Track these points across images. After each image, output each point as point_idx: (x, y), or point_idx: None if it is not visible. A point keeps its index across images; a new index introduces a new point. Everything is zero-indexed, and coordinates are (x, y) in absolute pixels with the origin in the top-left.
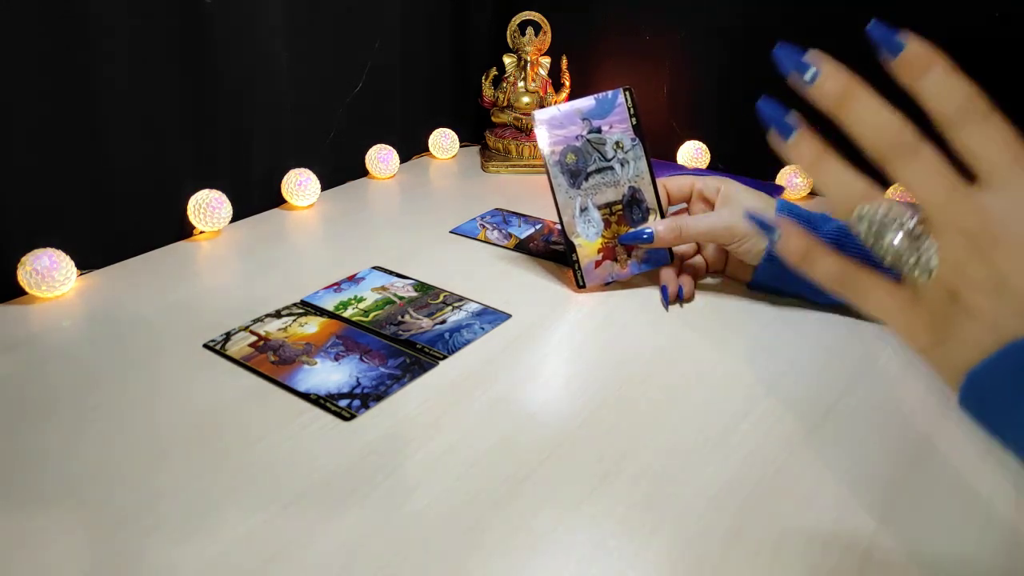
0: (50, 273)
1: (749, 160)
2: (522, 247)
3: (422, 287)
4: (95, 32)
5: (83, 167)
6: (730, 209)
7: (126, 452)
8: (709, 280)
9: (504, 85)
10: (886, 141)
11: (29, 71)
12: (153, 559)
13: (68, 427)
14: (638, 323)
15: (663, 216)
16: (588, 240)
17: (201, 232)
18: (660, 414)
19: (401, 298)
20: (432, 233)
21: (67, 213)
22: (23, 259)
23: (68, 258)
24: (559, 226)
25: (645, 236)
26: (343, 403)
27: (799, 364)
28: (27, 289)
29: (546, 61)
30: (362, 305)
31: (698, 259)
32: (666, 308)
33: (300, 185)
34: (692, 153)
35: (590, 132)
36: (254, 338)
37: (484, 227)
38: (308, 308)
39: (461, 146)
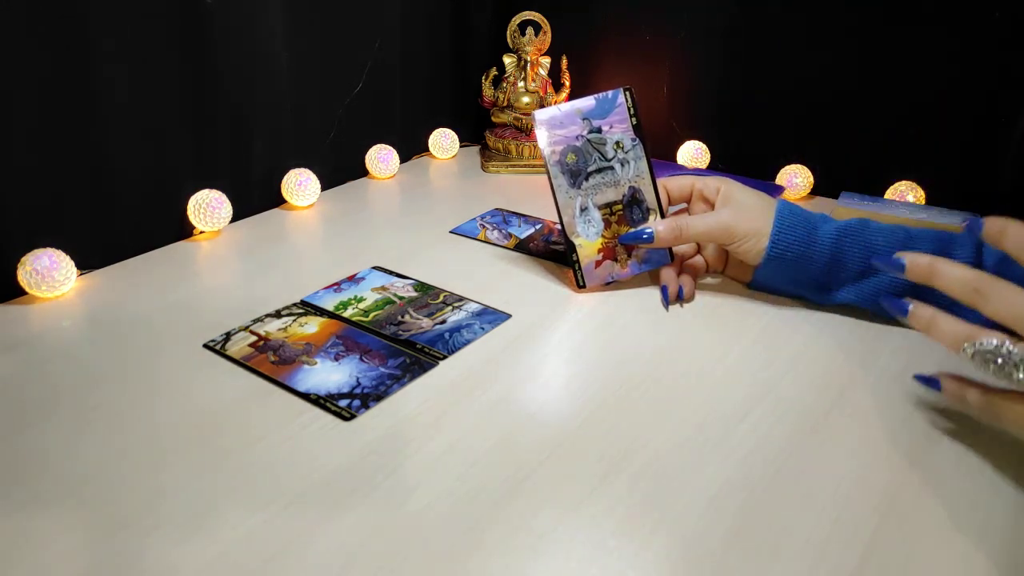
0: (50, 273)
1: (749, 160)
2: (522, 247)
3: (422, 287)
4: (95, 32)
5: (83, 167)
6: (730, 209)
7: (126, 452)
8: (709, 280)
9: (504, 85)
10: (969, 288)
11: (29, 71)
12: (153, 559)
13: (68, 427)
14: (638, 323)
15: (663, 216)
16: (588, 240)
17: (201, 232)
18: (660, 414)
19: (401, 298)
20: (432, 233)
21: (67, 213)
22: (23, 259)
23: (68, 258)
24: (559, 226)
25: (645, 236)
26: (343, 403)
27: (799, 364)
28: (27, 289)
29: (546, 61)
30: (362, 305)
31: (698, 259)
32: (666, 308)
33: (300, 185)
34: (692, 153)
35: (590, 132)
36: (254, 338)
37: (484, 227)
38: (308, 308)
39: (461, 146)
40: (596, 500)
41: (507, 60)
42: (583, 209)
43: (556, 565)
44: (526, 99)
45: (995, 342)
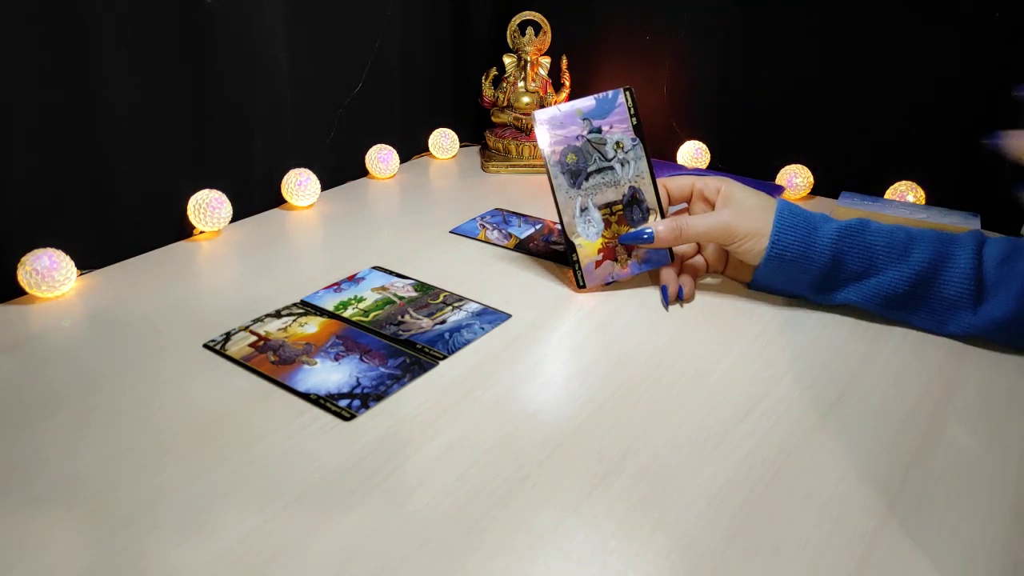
0: (50, 273)
1: (749, 160)
2: (522, 247)
3: (422, 287)
4: (95, 32)
5: (83, 167)
6: (730, 209)
7: (126, 452)
8: (709, 280)
9: (504, 85)
10: None
11: (29, 71)
12: (153, 559)
13: (68, 427)
14: (638, 323)
15: (663, 216)
16: (588, 240)
17: (201, 232)
18: (660, 414)
19: (401, 298)
20: (432, 233)
21: (67, 213)
22: (23, 259)
23: (68, 258)
24: (559, 226)
25: (645, 236)
26: (343, 403)
27: (799, 364)
28: (27, 289)
29: (546, 61)
30: (362, 305)
31: (698, 259)
32: (666, 308)
33: (300, 185)
34: (692, 153)
35: (590, 132)
36: (254, 338)
37: (484, 227)
38: (308, 308)
39: (461, 146)
40: (596, 500)
41: (507, 60)
42: (583, 209)
43: (556, 565)
44: (526, 99)
45: None
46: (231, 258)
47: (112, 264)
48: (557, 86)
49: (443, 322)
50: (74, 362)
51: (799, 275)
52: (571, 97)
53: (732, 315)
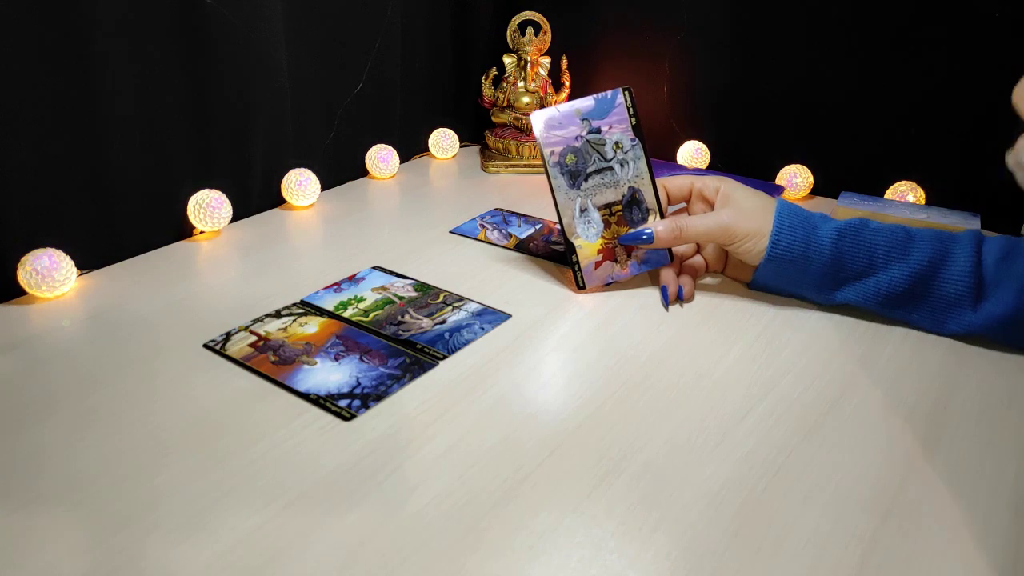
0: (50, 273)
1: (749, 160)
2: (522, 247)
3: (422, 287)
4: (95, 32)
5: (83, 167)
6: (729, 209)
7: (126, 452)
8: (709, 280)
9: (504, 85)
10: None
11: (29, 71)
12: (153, 559)
13: (68, 427)
14: (638, 323)
15: (663, 216)
16: (588, 241)
17: (201, 232)
18: (660, 414)
19: (401, 298)
20: (432, 233)
21: (67, 213)
22: (23, 259)
23: (68, 258)
24: (559, 226)
25: (645, 237)
26: (343, 403)
27: (799, 364)
28: (27, 289)
29: (546, 61)
30: (362, 305)
31: (698, 259)
32: (666, 308)
33: (300, 185)
34: (692, 153)
35: (589, 132)
36: (254, 338)
37: (484, 227)
38: (308, 308)
39: (461, 146)
40: (596, 500)
41: (507, 60)
42: (583, 210)
43: (556, 565)
44: (526, 99)
45: None
46: (231, 258)
47: (112, 264)
48: (557, 86)
49: (443, 322)
50: (74, 362)
51: (799, 275)
52: (571, 97)
53: (732, 315)
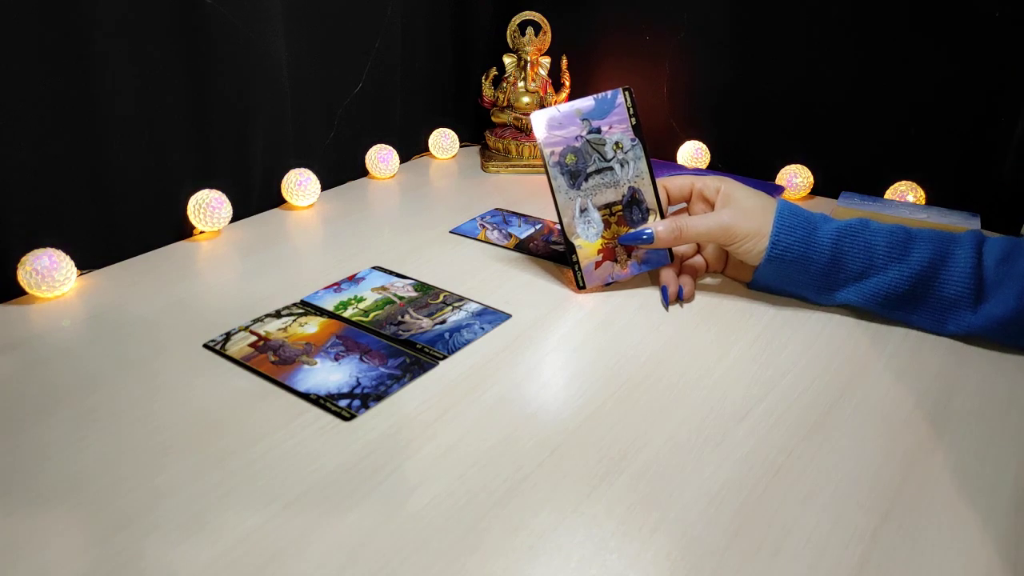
0: (50, 273)
1: (749, 160)
2: (522, 247)
3: (422, 287)
4: (95, 32)
5: (83, 167)
6: (730, 209)
7: (126, 452)
8: (709, 280)
9: (504, 85)
10: None
11: (29, 71)
12: (153, 559)
13: (68, 427)
14: (638, 323)
15: (663, 216)
16: (588, 241)
17: (201, 232)
18: (660, 414)
19: (401, 298)
20: (432, 233)
21: (67, 213)
22: (23, 259)
23: (68, 258)
24: (559, 226)
25: (645, 237)
26: (343, 403)
27: (799, 364)
28: (27, 289)
29: (546, 61)
30: (362, 305)
31: (698, 259)
32: (666, 308)
33: (300, 185)
34: (692, 153)
35: (589, 132)
36: (254, 338)
37: (484, 227)
38: (308, 308)
39: (461, 146)
40: (596, 500)
41: (507, 60)
42: (583, 210)
43: (556, 565)
44: (526, 99)
45: None
46: (231, 258)
47: (112, 264)
48: (557, 86)
49: (443, 322)
50: (74, 362)
51: (799, 275)
52: (571, 97)
53: (732, 315)
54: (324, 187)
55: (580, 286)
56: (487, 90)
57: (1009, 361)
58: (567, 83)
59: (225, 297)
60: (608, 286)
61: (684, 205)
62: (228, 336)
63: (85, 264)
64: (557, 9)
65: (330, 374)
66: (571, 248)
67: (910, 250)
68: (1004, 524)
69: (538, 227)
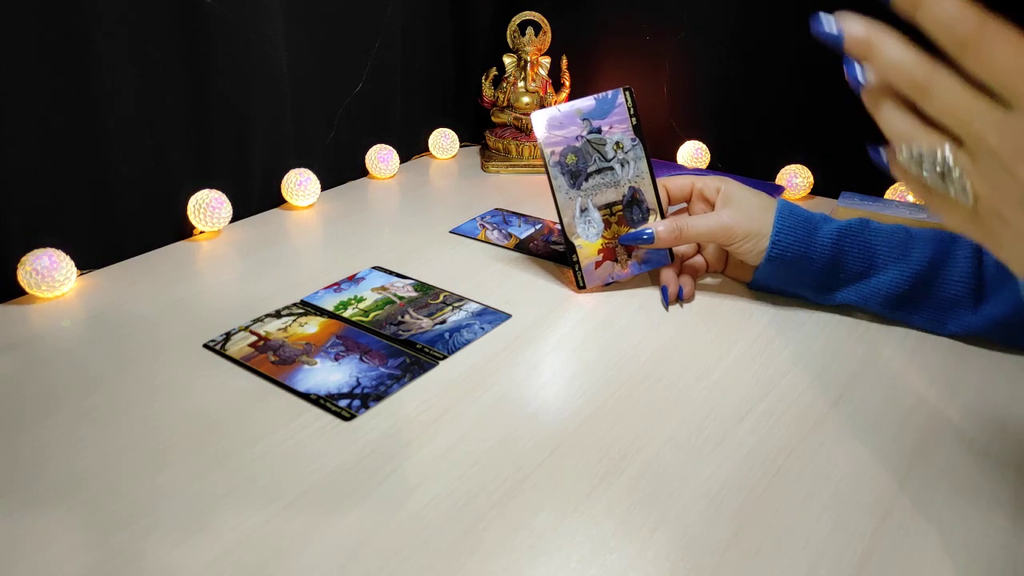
0: (50, 273)
1: (749, 160)
2: (522, 247)
3: (422, 287)
4: (95, 32)
5: (83, 167)
6: (730, 209)
7: (126, 452)
8: (709, 280)
9: (504, 85)
10: (911, 76)
11: (29, 71)
12: (153, 559)
13: (68, 427)
14: (638, 323)
15: (663, 216)
16: (588, 241)
17: (201, 232)
18: (660, 414)
19: (401, 298)
20: (432, 233)
21: (67, 213)
22: (23, 259)
23: (68, 258)
24: (559, 226)
25: (645, 237)
26: (343, 403)
27: (799, 364)
28: (27, 289)
29: (546, 61)
30: (362, 305)
31: (698, 259)
32: (666, 308)
33: (300, 185)
34: (692, 153)
35: (590, 132)
36: (254, 338)
37: (484, 227)
38: (308, 308)
39: (461, 146)
40: (596, 500)
41: (507, 60)
42: (583, 210)
43: (556, 565)
44: (526, 99)
45: (935, 150)
46: (231, 258)
47: (112, 264)
48: (557, 86)
49: (443, 322)
50: (74, 362)
51: (799, 275)
52: (571, 97)
53: (732, 315)
54: (324, 187)
55: (580, 286)
56: (487, 90)
57: (1009, 361)
58: (567, 83)
59: (225, 297)
60: (608, 286)
61: (684, 205)
62: (228, 336)
63: (85, 264)
64: (557, 9)
65: (330, 374)
66: (571, 248)
67: (910, 250)
68: (1004, 524)
69: (538, 227)
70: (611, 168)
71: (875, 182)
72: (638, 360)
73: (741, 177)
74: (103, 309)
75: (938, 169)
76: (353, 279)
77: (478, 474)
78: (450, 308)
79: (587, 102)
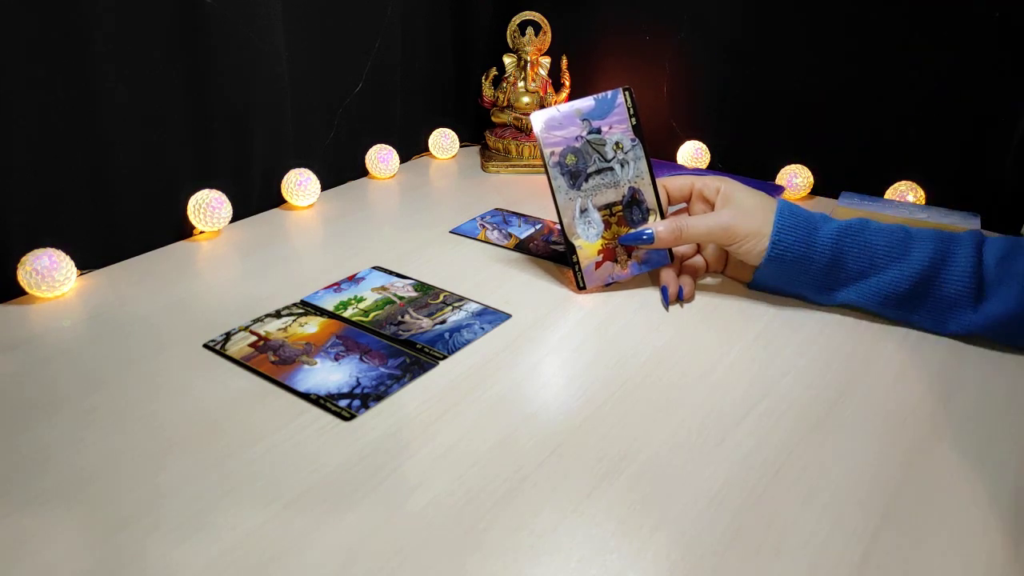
0: (50, 273)
1: (749, 160)
2: (522, 247)
3: (422, 287)
4: (95, 32)
5: (83, 167)
6: (730, 210)
7: (126, 452)
8: (709, 280)
9: (504, 85)
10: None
11: (29, 71)
12: (153, 559)
13: (68, 427)
14: (638, 323)
15: (663, 217)
16: (588, 241)
17: (201, 232)
18: (660, 414)
19: (401, 298)
20: (432, 233)
21: (67, 213)
22: (23, 259)
23: (68, 258)
24: (559, 226)
25: (645, 237)
26: (343, 403)
27: (799, 364)
28: (27, 289)
29: (546, 61)
30: (362, 305)
31: (698, 259)
32: (666, 308)
33: (300, 185)
34: (692, 153)
35: (590, 133)
36: (254, 338)
37: (484, 227)
38: (308, 308)
39: (461, 146)
40: (596, 500)
41: (507, 60)
42: (583, 210)
43: (556, 565)
44: (526, 99)
45: None
46: (231, 258)
47: (112, 264)
48: (557, 86)
49: (443, 322)
50: (74, 362)
51: (799, 275)
52: (571, 97)
53: (732, 315)
54: (324, 187)
55: (580, 286)
56: (487, 90)
57: (1009, 361)
58: (567, 83)
59: (225, 297)
60: (608, 286)
61: (684, 205)
62: (228, 336)
63: (85, 264)
64: (557, 9)
65: (330, 374)
66: (571, 248)
67: (910, 250)
68: (1004, 524)
69: (538, 227)
70: (611, 168)
71: (875, 182)
72: (638, 360)
73: (741, 177)
74: (103, 309)
75: None
76: (353, 279)
77: (478, 474)
78: (450, 308)
79: (587, 102)
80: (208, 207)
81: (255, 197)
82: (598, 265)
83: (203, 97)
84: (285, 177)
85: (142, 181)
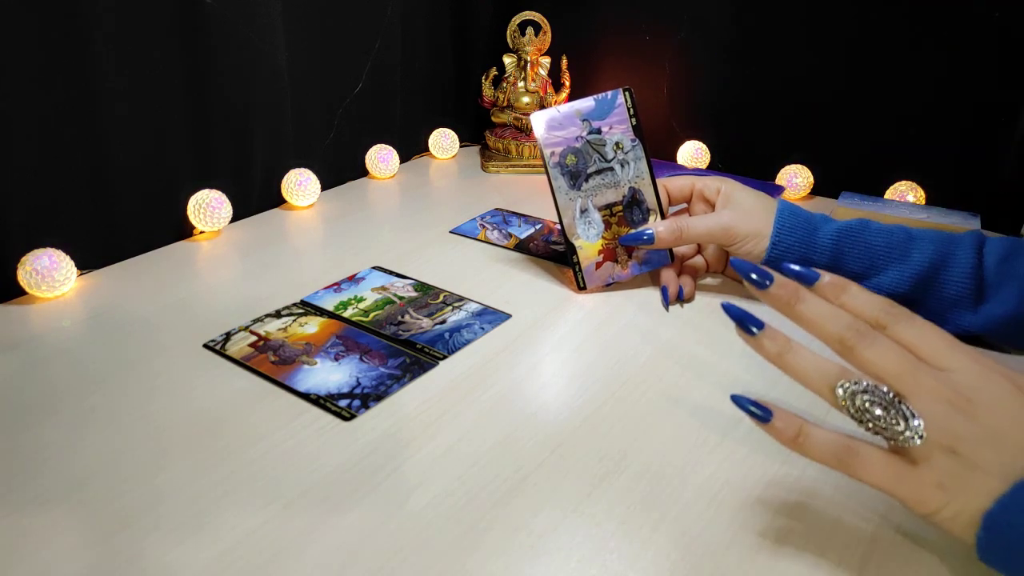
0: (50, 273)
1: (749, 160)
2: (522, 247)
3: (422, 287)
4: (95, 32)
5: (83, 167)
6: (730, 210)
7: (126, 452)
8: (709, 280)
9: (504, 85)
10: (841, 329)
11: (29, 71)
12: (153, 559)
13: (68, 427)
14: (638, 323)
15: (663, 217)
16: (588, 242)
17: (201, 232)
18: (660, 414)
19: (401, 298)
20: (432, 233)
21: (67, 213)
22: (23, 259)
23: (68, 258)
24: (559, 226)
25: (645, 237)
26: (343, 403)
27: None
28: (27, 289)
29: (546, 61)
30: (362, 305)
31: (698, 259)
32: (666, 308)
33: (300, 185)
34: (692, 153)
35: (590, 133)
36: (254, 338)
37: (484, 227)
38: (308, 308)
39: (461, 146)
40: (596, 500)
41: (507, 60)
42: (583, 210)
43: (556, 565)
44: (526, 99)
45: (869, 383)
46: (231, 258)
47: (112, 264)
48: (557, 86)
49: (443, 322)
50: (74, 362)
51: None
52: (571, 97)
53: None
54: (324, 187)
55: (581, 287)
56: (487, 90)
57: (1009, 361)
58: (567, 83)
59: (225, 297)
60: (608, 286)
61: (684, 206)
62: (228, 336)
63: (85, 264)
64: (557, 9)
65: (330, 374)
66: (572, 248)
67: (910, 251)
68: None
69: (538, 227)
70: (611, 169)
71: (875, 182)
72: (638, 360)
73: (741, 177)
74: (103, 309)
75: (882, 408)
76: (353, 279)
77: (478, 474)
78: (450, 308)
79: (587, 103)
80: (208, 207)
81: (255, 197)
82: (598, 265)
83: (203, 97)
84: (285, 177)
85: (142, 181)
